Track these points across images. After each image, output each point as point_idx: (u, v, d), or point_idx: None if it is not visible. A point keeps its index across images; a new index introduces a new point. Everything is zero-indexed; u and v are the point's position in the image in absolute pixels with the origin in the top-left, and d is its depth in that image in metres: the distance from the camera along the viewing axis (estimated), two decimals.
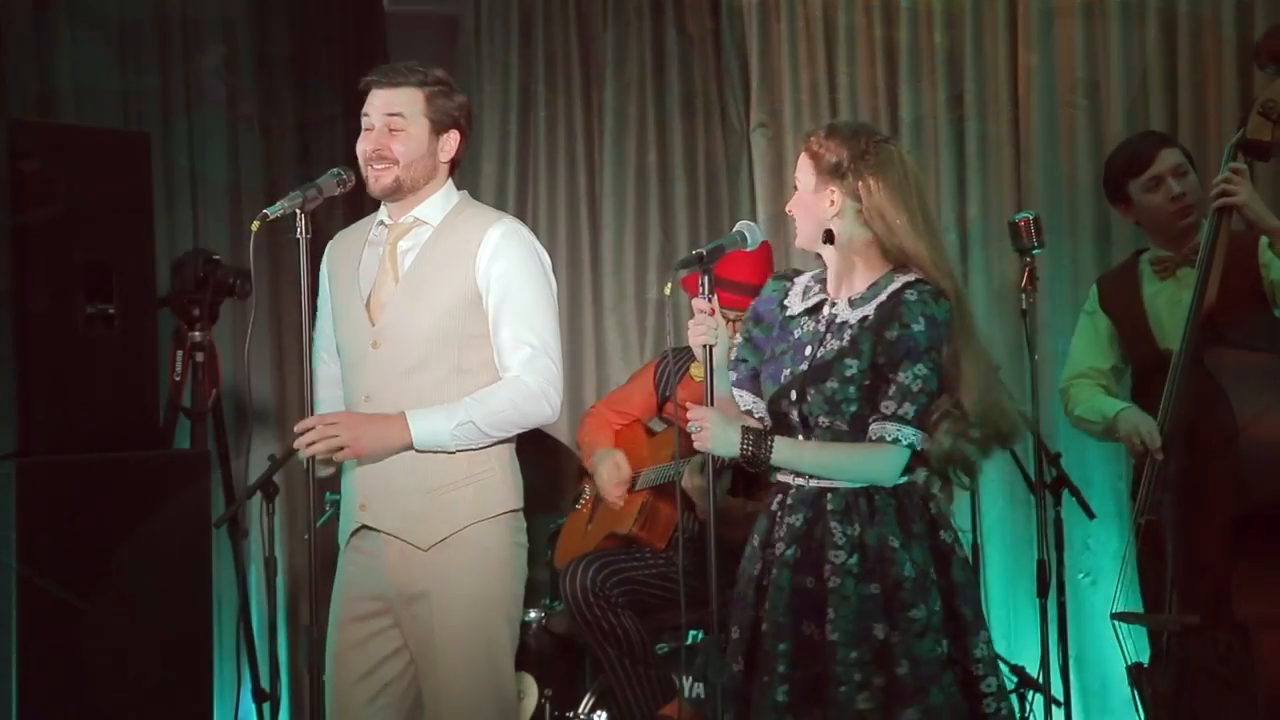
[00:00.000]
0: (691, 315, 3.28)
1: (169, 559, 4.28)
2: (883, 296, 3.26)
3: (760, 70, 5.87)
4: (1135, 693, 4.24)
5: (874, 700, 3.15)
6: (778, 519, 3.32)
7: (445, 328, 3.51)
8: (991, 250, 5.42)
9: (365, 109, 3.57)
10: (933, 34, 5.52)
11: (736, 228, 3.40)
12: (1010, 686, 4.72)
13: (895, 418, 3.21)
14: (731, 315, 3.99)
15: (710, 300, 3.25)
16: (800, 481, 3.30)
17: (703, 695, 4.35)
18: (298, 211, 3.40)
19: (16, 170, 4.05)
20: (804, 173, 3.31)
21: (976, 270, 5.44)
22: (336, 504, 3.77)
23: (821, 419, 3.25)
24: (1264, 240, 4.11)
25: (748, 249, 3.43)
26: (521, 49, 6.21)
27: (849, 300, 3.31)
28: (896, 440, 3.21)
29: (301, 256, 3.40)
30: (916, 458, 3.26)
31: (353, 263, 3.64)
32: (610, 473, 4.77)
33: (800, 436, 3.29)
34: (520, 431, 3.59)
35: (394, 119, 3.53)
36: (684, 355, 4.86)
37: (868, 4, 5.66)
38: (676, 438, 3.80)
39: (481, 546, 3.53)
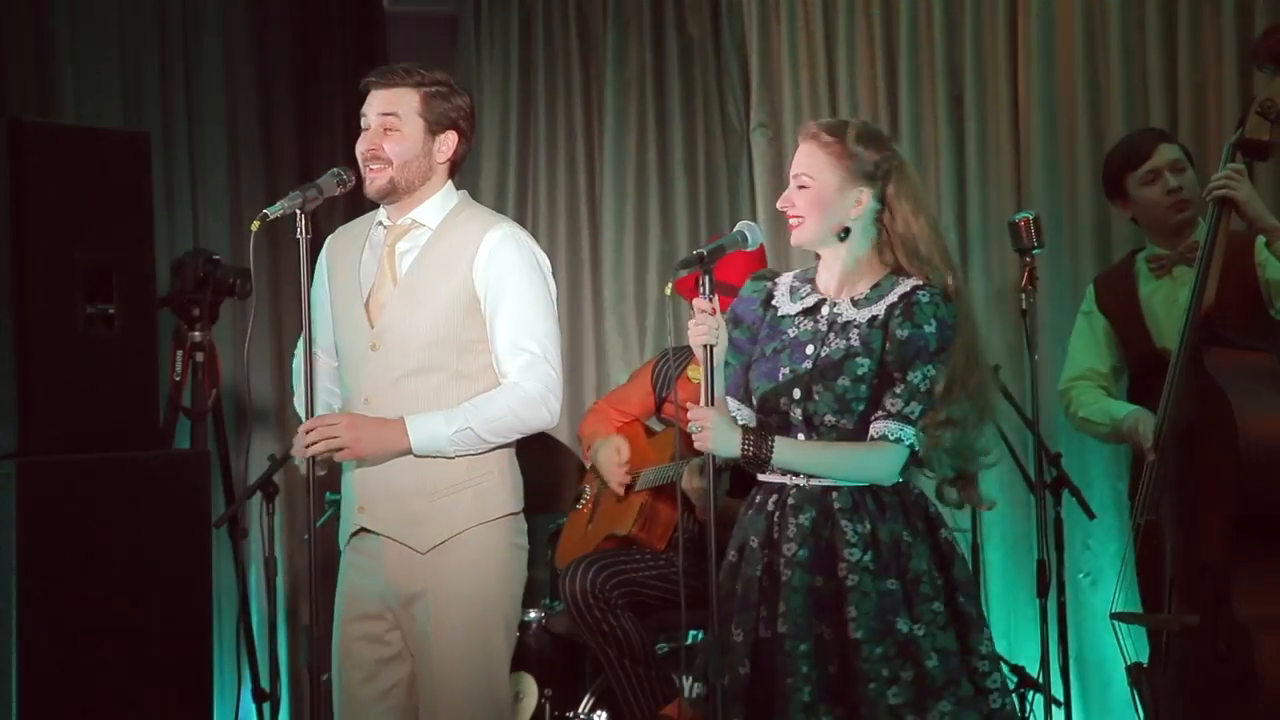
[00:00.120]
0: (692, 315, 3.28)
1: (169, 559, 4.29)
2: (892, 297, 3.28)
3: (760, 70, 5.87)
4: (1135, 693, 4.24)
5: (904, 695, 3.17)
6: (776, 519, 3.31)
7: (444, 331, 3.50)
8: (991, 250, 5.42)
9: (363, 109, 3.57)
10: (933, 34, 5.52)
11: (737, 228, 3.39)
12: (1010, 686, 4.72)
13: (899, 416, 3.23)
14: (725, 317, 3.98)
15: (711, 300, 3.25)
16: (800, 481, 3.30)
17: (703, 695, 4.35)
18: (298, 212, 3.40)
19: (17, 170, 4.05)
20: (825, 171, 3.29)
21: (976, 270, 5.43)
22: (336, 504, 3.77)
23: (828, 417, 3.26)
24: (1260, 239, 4.11)
25: (748, 249, 3.43)
26: (521, 49, 6.22)
27: (852, 300, 3.32)
28: (899, 439, 3.23)
29: (302, 256, 3.39)
30: (915, 459, 3.28)
31: (352, 262, 3.63)
32: (609, 456, 4.76)
33: (801, 435, 3.30)
34: (519, 437, 3.58)
35: (389, 119, 3.52)
36: (684, 355, 4.86)
37: (868, 4, 5.66)
38: (677, 438, 3.80)
39: (480, 548, 3.52)
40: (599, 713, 4.81)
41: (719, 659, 3.17)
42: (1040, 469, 4.50)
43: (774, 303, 3.42)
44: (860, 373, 3.24)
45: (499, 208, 6.05)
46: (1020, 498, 5.05)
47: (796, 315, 3.37)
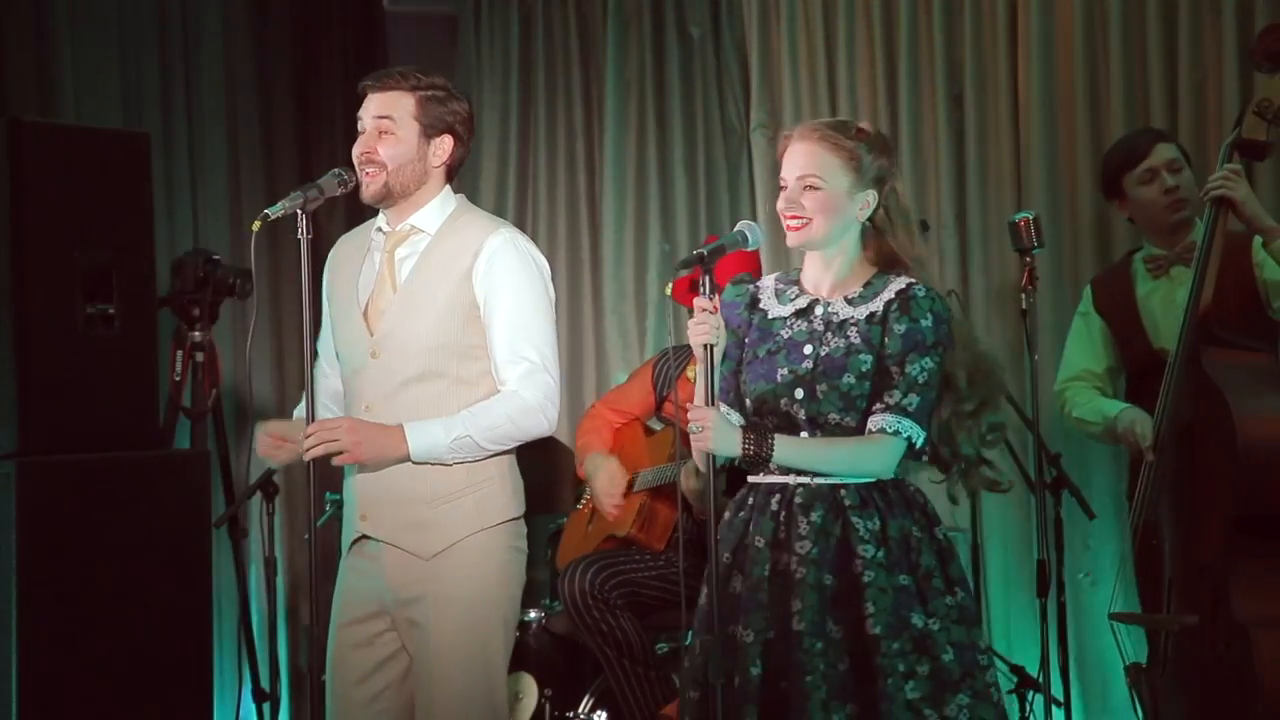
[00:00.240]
0: (692, 314, 3.28)
1: (169, 559, 4.29)
2: (888, 294, 3.31)
3: (760, 70, 5.87)
4: (1134, 693, 4.24)
5: (921, 689, 3.18)
6: (784, 519, 3.31)
7: (444, 338, 3.49)
8: (991, 250, 5.42)
9: (360, 113, 3.56)
10: (933, 34, 5.53)
11: (737, 227, 3.39)
12: (1010, 686, 4.73)
13: (898, 409, 3.25)
14: None
15: (712, 299, 3.25)
16: (806, 479, 3.31)
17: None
18: (299, 211, 3.39)
19: (17, 170, 4.06)
20: (836, 174, 3.30)
21: (976, 270, 5.44)
22: (336, 504, 3.78)
23: (833, 415, 3.27)
24: (1258, 240, 4.11)
25: (748, 249, 3.44)
26: (521, 49, 6.22)
27: (846, 299, 3.34)
28: (897, 432, 3.25)
29: (303, 257, 3.38)
30: (913, 453, 3.30)
31: (353, 270, 3.62)
32: (604, 485, 4.75)
33: (805, 434, 3.31)
34: (517, 445, 3.58)
35: (383, 122, 3.51)
36: (684, 354, 4.86)
37: (868, 4, 5.66)
38: (676, 438, 3.80)
39: (481, 552, 3.51)
40: (599, 713, 4.82)
41: (719, 659, 3.18)
42: (1040, 469, 4.50)
43: (761, 305, 3.43)
44: (864, 369, 3.27)
45: (499, 208, 6.06)
46: (1020, 498, 5.06)
47: (789, 317, 3.38)
